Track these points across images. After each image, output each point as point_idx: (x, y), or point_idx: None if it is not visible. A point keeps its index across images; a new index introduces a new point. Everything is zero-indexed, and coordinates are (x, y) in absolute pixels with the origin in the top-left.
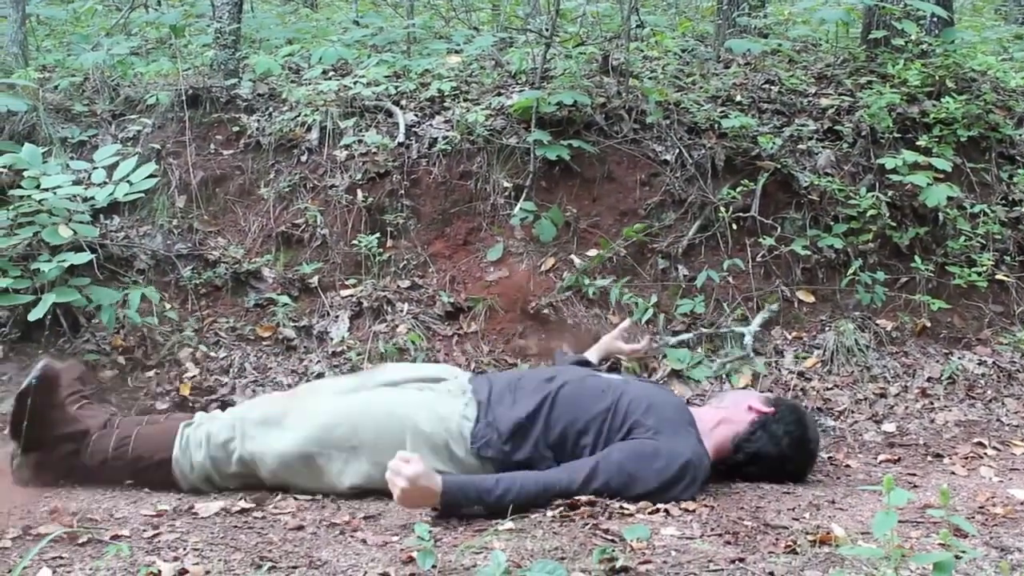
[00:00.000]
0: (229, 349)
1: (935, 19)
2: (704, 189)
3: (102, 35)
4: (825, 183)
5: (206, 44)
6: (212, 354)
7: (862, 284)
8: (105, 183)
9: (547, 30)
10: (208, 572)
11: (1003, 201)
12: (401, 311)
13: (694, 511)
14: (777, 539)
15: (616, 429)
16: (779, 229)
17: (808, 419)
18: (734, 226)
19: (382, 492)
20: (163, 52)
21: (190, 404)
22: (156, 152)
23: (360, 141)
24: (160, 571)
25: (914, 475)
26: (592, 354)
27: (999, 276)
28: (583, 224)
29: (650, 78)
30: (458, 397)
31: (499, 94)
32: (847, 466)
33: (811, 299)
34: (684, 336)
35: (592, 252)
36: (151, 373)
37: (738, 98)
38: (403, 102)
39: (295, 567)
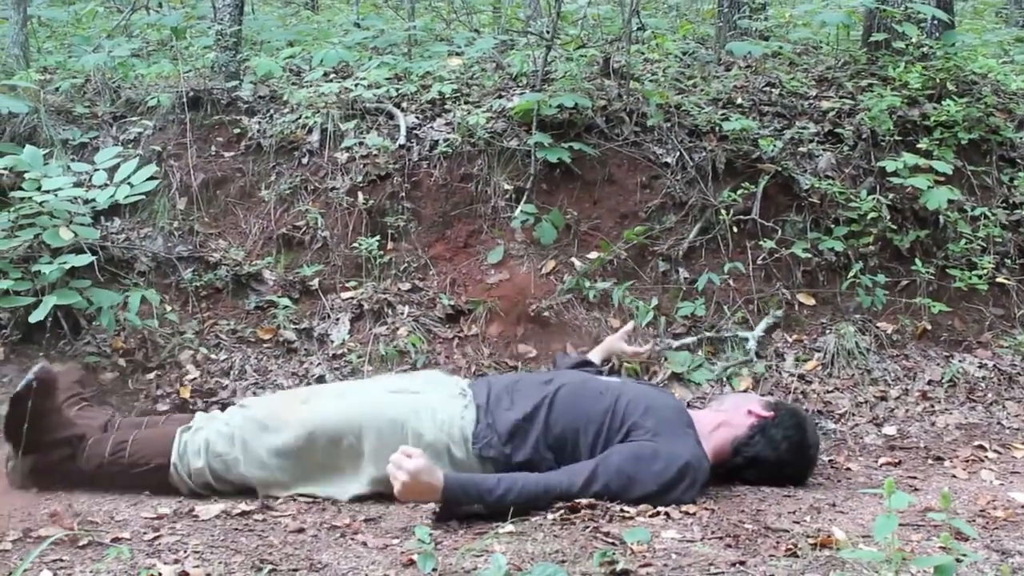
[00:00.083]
0: (230, 351)
1: (936, 22)
2: (705, 192)
3: (103, 37)
4: (826, 186)
5: (207, 46)
6: (213, 356)
7: (863, 287)
8: (106, 185)
9: (548, 33)
10: (208, 575)
11: (1004, 204)
12: (402, 313)
13: (695, 514)
14: (778, 542)
15: (615, 431)
16: (780, 232)
17: (808, 423)
18: (735, 229)
19: (383, 495)
20: (164, 54)
21: (191, 406)
22: (157, 154)
23: (361, 143)
24: (161, 574)
25: (915, 478)
26: (594, 355)
27: (1000, 279)
28: (584, 227)
29: (651, 81)
30: (457, 400)
31: (500, 96)
32: (848, 469)
33: (811, 302)
34: (687, 339)
35: (593, 255)
36: (151, 375)
37: (739, 101)
38: (404, 104)
39: (295, 570)
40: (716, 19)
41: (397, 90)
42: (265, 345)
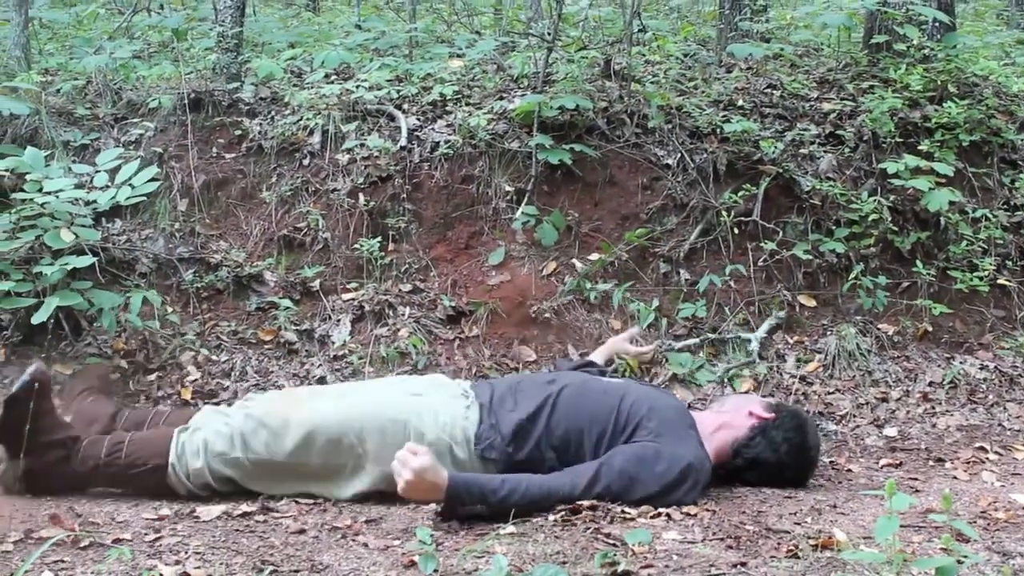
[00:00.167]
0: (231, 352)
1: (937, 24)
2: (706, 193)
3: (104, 39)
4: (827, 187)
5: (208, 48)
6: (214, 357)
7: (864, 288)
8: (107, 187)
9: (549, 34)
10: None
11: (1005, 206)
12: (403, 315)
13: (696, 515)
14: (779, 543)
15: (619, 431)
16: (781, 233)
17: (809, 425)
18: (736, 230)
19: (384, 495)
20: (165, 56)
21: (193, 407)
22: (158, 156)
23: (362, 145)
24: (162, 575)
25: (916, 479)
26: (597, 356)
27: (1001, 281)
28: (585, 228)
29: (652, 82)
30: (459, 400)
31: (501, 98)
32: (849, 470)
33: (812, 303)
34: (688, 341)
35: (594, 256)
36: (153, 376)
37: (740, 102)
38: (405, 106)
39: (297, 571)
40: (717, 21)
41: (398, 92)
42: (266, 346)
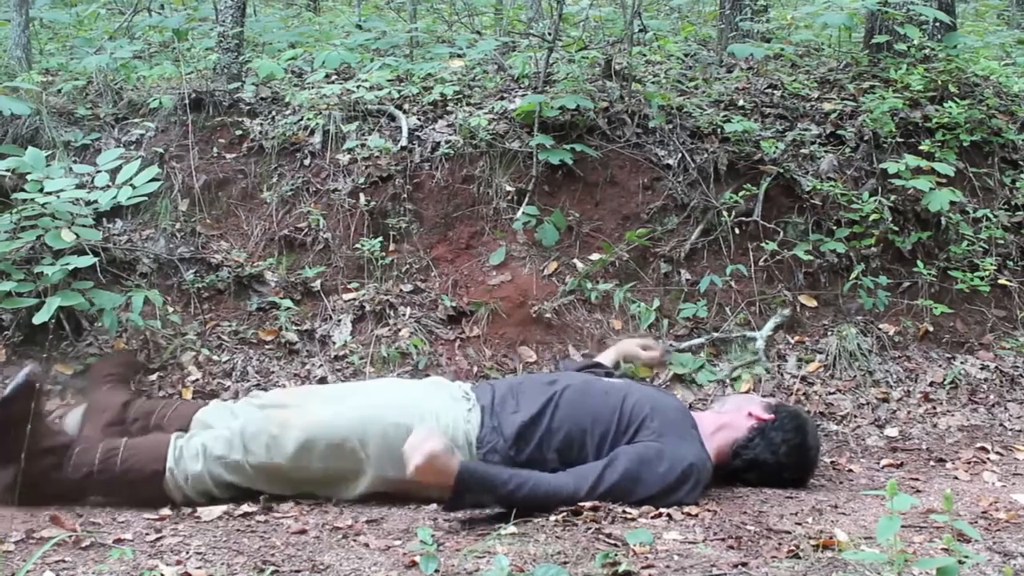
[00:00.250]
0: (232, 353)
1: (937, 24)
2: (706, 193)
3: (105, 39)
4: (828, 187)
5: (209, 48)
6: (215, 358)
7: (864, 289)
8: (108, 187)
9: (550, 34)
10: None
11: (1006, 206)
12: (403, 315)
13: (697, 515)
14: (780, 544)
15: (621, 432)
16: (781, 233)
17: (808, 426)
18: (736, 230)
19: (385, 495)
20: (166, 56)
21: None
22: (159, 156)
23: (363, 145)
24: (163, 575)
25: (917, 480)
26: (605, 357)
27: (1002, 281)
28: (585, 228)
29: (653, 82)
30: (461, 403)
31: (502, 98)
32: (850, 471)
33: (813, 303)
34: (692, 341)
35: (595, 256)
36: (154, 376)
37: (740, 102)
38: (406, 106)
39: (298, 571)
40: (718, 21)
41: (399, 92)
42: (267, 346)
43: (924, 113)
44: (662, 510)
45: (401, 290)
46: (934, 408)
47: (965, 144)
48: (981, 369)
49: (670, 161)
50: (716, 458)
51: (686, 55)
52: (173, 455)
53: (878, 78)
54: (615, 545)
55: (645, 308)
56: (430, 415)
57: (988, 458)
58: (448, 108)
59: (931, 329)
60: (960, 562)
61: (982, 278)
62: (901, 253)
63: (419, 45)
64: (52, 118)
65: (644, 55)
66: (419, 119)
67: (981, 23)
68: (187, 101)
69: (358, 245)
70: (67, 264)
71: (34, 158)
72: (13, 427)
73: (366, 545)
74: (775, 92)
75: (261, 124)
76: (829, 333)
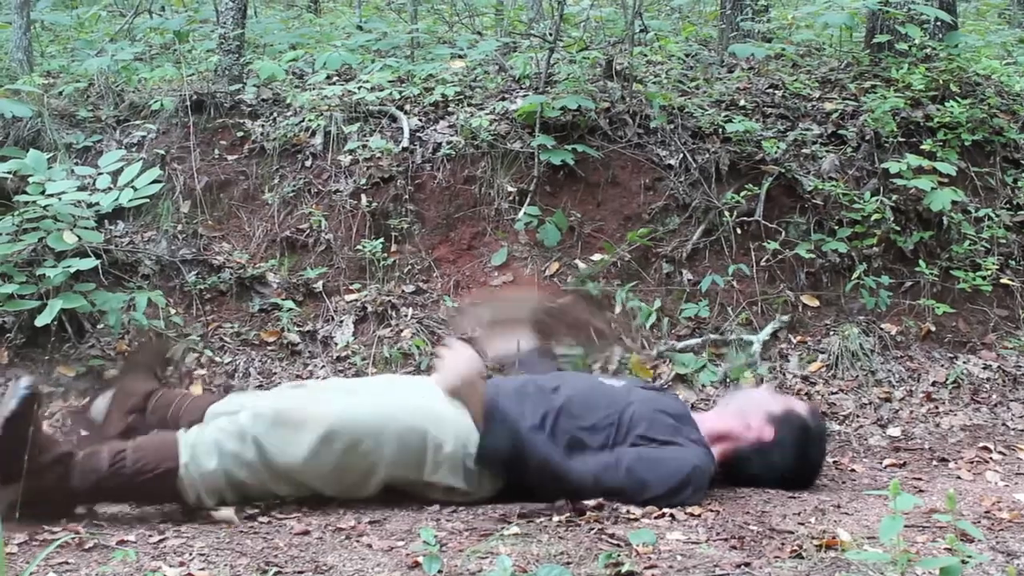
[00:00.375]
0: (234, 354)
1: (939, 23)
2: (708, 193)
3: (106, 41)
4: (829, 187)
5: (210, 49)
6: (217, 359)
7: (866, 288)
8: (110, 189)
9: (551, 35)
10: None
11: (1008, 205)
12: (405, 316)
13: (700, 516)
14: (783, 544)
15: (624, 435)
16: (783, 233)
17: (811, 439)
18: (738, 230)
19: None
20: (167, 58)
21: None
22: (160, 157)
23: (364, 146)
24: None
25: (920, 479)
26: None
27: (1004, 280)
28: (587, 229)
29: (654, 83)
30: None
31: (503, 99)
32: (852, 471)
33: (815, 303)
34: (691, 341)
35: (596, 257)
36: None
37: (742, 102)
38: (407, 107)
39: (301, 572)
40: (719, 21)
41: (400, 93)
42: (269, 347)
43: (926, 113)
44: (665, 510)
45: (403, 291)
46: (936, 408)
47: (967, 143)
48: (983, 369)
49: (672, 161)
50: (717, 465)
51: (687, 55)
52: (187, 450)
53: (879, 78)
54: (618, 545)
55: (646, 308)
56: (444, 421)
57: (991, 458)
58: (449, 109)
59: (933, 329)
60: (963, 562)
61: (984, 278)
62: (903, 253)
63: (420, 46)
64: (53, 120)
65: (645, 55)
66: (420, 120)
67: (982, 22)
68: (188, 103)
69: (360, 246)
70: (69, 266)
71: (36, 160)
72: (18, 444)
73: (369, 546)
74: (776, 92)
75: (262, 125)
76: (831, 333)
